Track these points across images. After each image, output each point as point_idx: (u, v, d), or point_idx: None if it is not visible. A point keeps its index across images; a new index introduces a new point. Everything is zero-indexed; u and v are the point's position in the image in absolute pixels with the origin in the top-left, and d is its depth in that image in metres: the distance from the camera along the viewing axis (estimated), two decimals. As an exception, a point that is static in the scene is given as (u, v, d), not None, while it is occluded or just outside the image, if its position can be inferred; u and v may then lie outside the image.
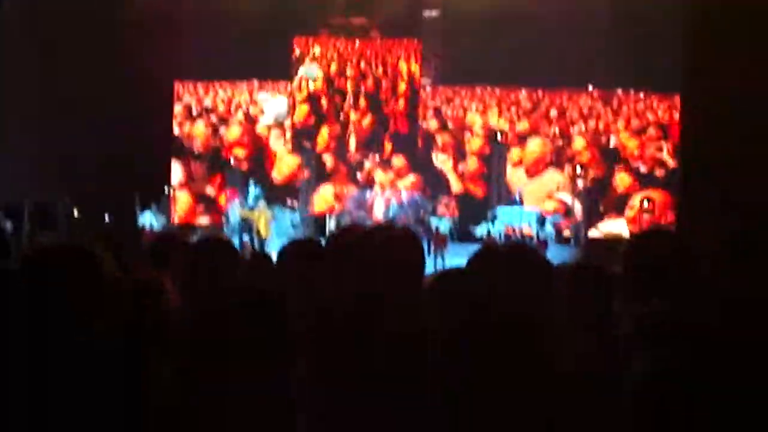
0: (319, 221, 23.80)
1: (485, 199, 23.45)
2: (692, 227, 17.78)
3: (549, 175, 22.72)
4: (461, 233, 22.80)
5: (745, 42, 18.79)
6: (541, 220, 22.88)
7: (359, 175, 23.95)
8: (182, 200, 24.06)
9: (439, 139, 24.00)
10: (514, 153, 23.22)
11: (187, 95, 24.65)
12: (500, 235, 22.58)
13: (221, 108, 24.61)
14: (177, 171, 24.22)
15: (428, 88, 24.24)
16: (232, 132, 24.35)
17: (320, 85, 24.34)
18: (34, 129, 20.54)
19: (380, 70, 24.30)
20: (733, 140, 18.83)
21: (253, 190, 24.00)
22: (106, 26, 21.59)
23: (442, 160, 23.76)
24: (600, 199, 22.50)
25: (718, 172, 18.98)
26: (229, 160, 24.19)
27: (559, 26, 21.44)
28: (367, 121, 24.19)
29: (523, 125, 23.60)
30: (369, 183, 23.78)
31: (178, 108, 24.55)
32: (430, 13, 23.86)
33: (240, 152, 24.23)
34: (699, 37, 19.80)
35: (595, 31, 21.51)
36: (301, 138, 24.24)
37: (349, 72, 24.37)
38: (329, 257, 4.81)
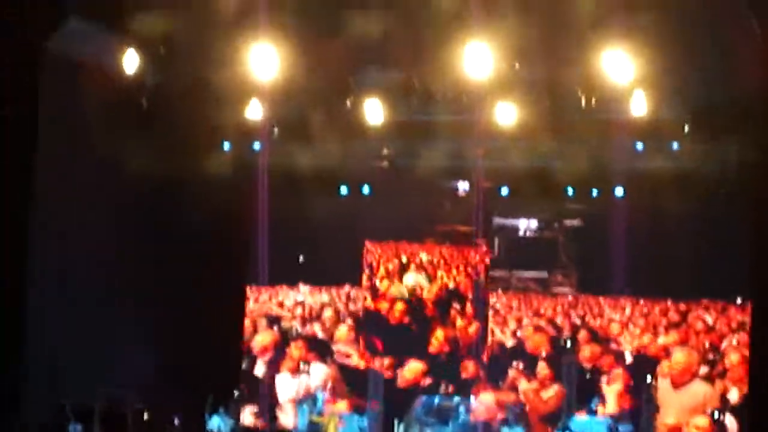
0: (387, 427, 23.57)
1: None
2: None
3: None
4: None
5: None
6: (614, 430, 22.43)
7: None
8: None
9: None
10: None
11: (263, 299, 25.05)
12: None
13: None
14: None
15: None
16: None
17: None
18: (102, 329, 20.68)
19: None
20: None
21: (320, 394, 23.91)
22: (182, 231, 21.95)
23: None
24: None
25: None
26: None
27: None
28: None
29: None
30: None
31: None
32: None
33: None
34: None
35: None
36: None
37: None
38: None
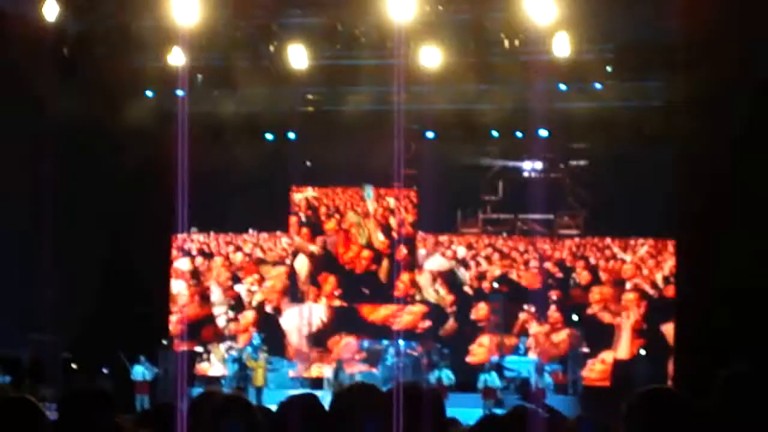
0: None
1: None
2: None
3: None
4: (462, 384, 22.59)
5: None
6: (540, 369, 22.70)
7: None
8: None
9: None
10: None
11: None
12: (498, 386, 22.36)
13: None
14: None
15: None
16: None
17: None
18: (26, 280, 20.52)
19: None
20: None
21: (257, 340, 24.05)
22: (107, 179, 21.74)
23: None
24: None
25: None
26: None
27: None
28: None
29: None
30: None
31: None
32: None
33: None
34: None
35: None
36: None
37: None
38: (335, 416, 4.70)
